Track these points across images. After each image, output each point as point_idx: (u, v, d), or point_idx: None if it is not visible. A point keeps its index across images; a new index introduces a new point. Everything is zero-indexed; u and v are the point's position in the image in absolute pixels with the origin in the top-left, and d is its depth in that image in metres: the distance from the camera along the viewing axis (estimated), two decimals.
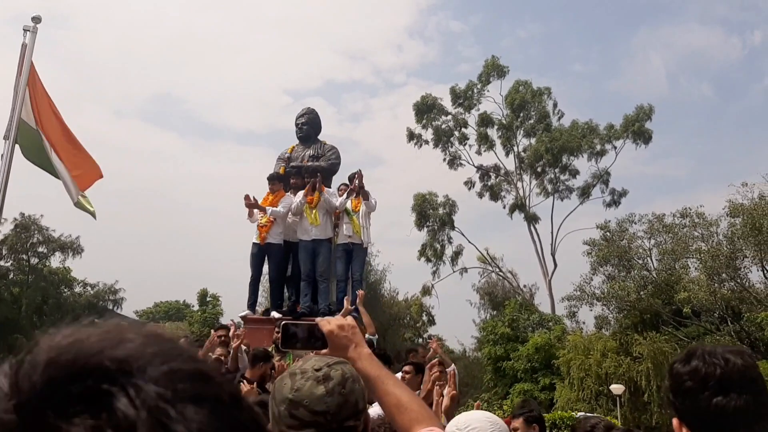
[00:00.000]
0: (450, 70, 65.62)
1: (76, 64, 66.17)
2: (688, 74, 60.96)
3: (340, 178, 9.66)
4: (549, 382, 26.74)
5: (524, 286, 38.78)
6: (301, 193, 8.78)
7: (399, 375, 6.48)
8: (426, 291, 37.87)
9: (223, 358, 6.21)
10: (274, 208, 8.62)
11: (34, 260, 35.80)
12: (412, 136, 38.00)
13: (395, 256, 72.93)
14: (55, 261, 36.64)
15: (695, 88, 59.87)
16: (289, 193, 8.94)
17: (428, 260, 37.33)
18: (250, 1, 72.62)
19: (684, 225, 27.68)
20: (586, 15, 60.50)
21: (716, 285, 24.65)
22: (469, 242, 37.78)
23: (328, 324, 1.64)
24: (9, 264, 35.32)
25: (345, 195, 8.90)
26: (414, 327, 41.65)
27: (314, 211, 8.62)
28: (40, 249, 36.08)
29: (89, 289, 38.15)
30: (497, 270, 39.07)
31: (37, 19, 5.83)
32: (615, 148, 35.68)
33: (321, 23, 72.34)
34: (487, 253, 38.48)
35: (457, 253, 37.55)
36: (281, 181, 9.01)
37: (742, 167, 64.89)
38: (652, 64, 59.18)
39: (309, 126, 9.93)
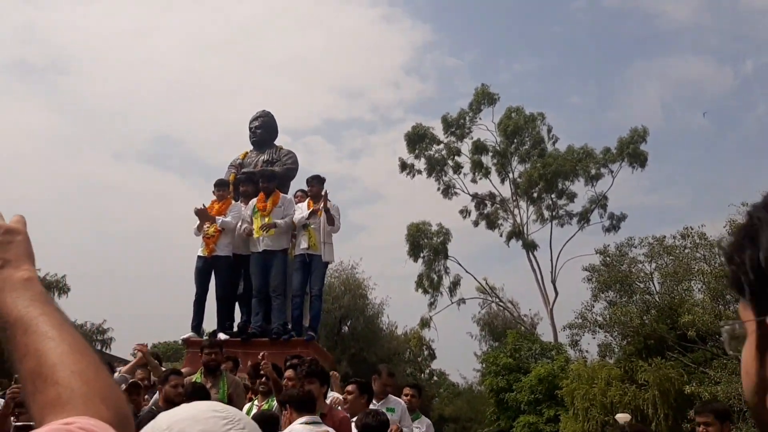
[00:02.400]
0: (448, 104, 65.64)
1: (75, 108, 66.26)
2: (683, 104, 60.65)
3: (297, 184, 8.89)
4: (553, 413, 25.71)
5: (525, 315, 37.72)
6: (251, 202, 7.98)
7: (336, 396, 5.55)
8: (425, 323, 36.80)
9: (144, 382, 5.50)
10: (224, 218, 7.82)
11: None
12: (404, 166, 37.38)
13: (394, 290, 71.67)
14: None
15: (691, 117, 59.53)
16: (238, 202, 8.15)
17: (425, 291, 36.34)
18: (248, 44, 72.97)
19: (685, 246, 26.85)
20: (582, 48, 60.56)
21: (721, 307, 23.69)
22: (467, 272, 36.82)
23: None
24: None
25: (306, 213, 8.06)
26: (415, 362, 40.46)
27: (267, 219, 7.79)
28: None
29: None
30: (497, 300, 38.04)
31: None
32: (611, 172, 35.09)
33: (318, 63, 72.44)
34: (486, 283, 37.52)
35: (455, 284, 36.52)
36: (229, 187, 8.23)
37: (741, 196, 64.02)
38: (647, 95, 58.98)
39: (263, 130, 9.15)
